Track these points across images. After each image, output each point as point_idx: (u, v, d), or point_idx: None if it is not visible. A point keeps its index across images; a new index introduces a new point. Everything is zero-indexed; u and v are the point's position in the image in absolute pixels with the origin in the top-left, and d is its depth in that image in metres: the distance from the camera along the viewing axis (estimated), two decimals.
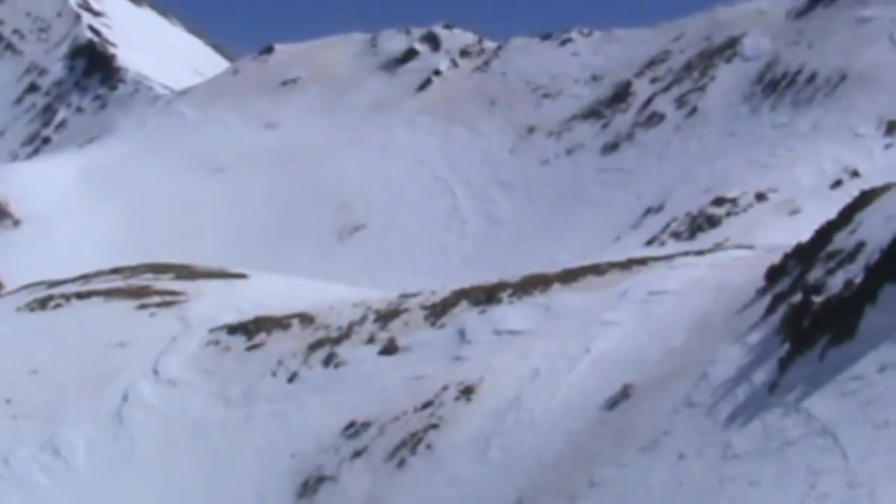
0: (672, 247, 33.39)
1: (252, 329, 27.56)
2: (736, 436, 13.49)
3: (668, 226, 38.89)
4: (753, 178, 39.27)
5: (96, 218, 59.78)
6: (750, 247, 26.84)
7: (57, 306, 32.04)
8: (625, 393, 17.89)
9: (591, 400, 18.37)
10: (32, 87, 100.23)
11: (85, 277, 36.58)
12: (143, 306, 30.75)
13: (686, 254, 26.55)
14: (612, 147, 54.17)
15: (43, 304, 32.45)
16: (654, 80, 57.64)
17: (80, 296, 32.75)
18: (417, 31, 74.89)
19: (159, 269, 36.93)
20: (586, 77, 61.99)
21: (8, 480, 24.12)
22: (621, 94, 58.19)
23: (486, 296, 25.60)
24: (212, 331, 27.97)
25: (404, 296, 27.86)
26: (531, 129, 59.54)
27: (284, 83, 73.94)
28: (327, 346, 25.75)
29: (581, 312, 22.51)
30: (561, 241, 46.31)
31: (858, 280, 14.74)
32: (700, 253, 26.52)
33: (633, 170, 50.53)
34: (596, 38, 65.77)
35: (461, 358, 23.00)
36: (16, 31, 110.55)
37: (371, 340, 25.46)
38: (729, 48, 55.47)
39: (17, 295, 36.25)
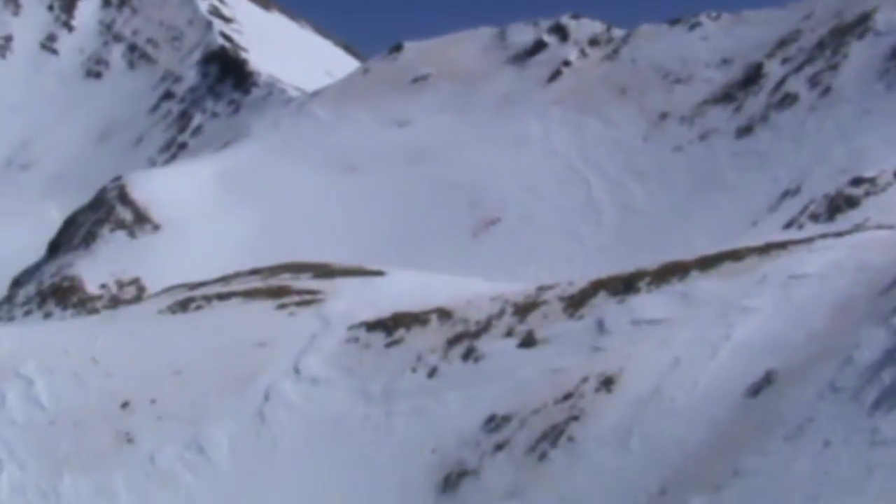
0: (810, 229, 32.83)
1: (391, 325, 27.75)
2: (883, 421, 13.22)
3: (805, 208, 38.26)
4: (891, 155, 38.46)
5: (233, 220, 60.64)
6: (891, 227, 26.29)
7: (198, 308, 32.60)
8: (767, 379, 17.67)
9: (733, 387, 18.17)
10: (168, 95, 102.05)
11: (224, 279, 37.17)
12: (282, 306, 31.14)
13: (825, 236, 26.10)
14: (745, 130, 53.40)
15: (184, 306, 33.05)
16: (785, 61, 56.70)
17: (221, 297, 33.29)
18: (545, 23, 74.61)
19: (297, 268, 37.37)
20: (717, 61, 61.20)
21: (155, 478, 24.65)
22: (753, 77, 57.33)
23: (623, 285, 25.46)
24: (351, 328, 28.21)
25: (542, 288, 27.82)
26: (663, 116, 58.98)
27: (415, 80, 74.23)
28: (466, 340, 25.82)
29: (720, 299, 22.27)
30: (697, 228, 45.85)
31: None
32: (839, 235, 26.05)
33: (769, 152, 49.79)
34: (725, 20, 64.88)
35: (600, 348, 22.90)
36: (149, 41, 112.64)
37: (510, 333, 25.47)
38: (861, 24, 54.31)
39: (158, 298, 36.97)
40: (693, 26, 65.62)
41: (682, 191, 51.99)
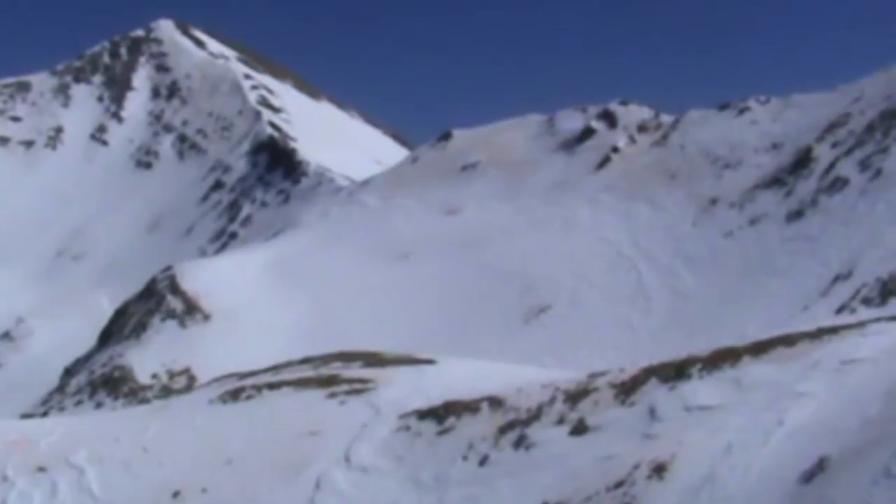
0: (863, 313, 32.62)
1: (442, 414, 27.68)
2: None
3: (857, 292, 38.05)
4: None
5: (284, 309, 60.92)
6: None
7: (249, 397, 32.67)
8: (821, 465, 17.49)
9: (786, 473, 17.99)
10: (218, 185, 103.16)
11: (275, 368, 37.27)
12: (333, 395, 31.16)
13: (878, 320, 25.90)
14: (796, 215, 53.32)
15: (235, 395, 33.14)
16: (835, 144, 56.70)
17: (271, 386, 33.35)
18: (593, 109, 75.04)
19: (348, 357, 37.43)
20: (766, 145, 61.30)
21: None
22: (803, 161, 57.35)
23: (675, 371, 25.32)
24: (402, 416, 28.18)
25: (593, 375, 27.72)
26: (713, 201, 59.01)
27: (464, 168, 74.71)
28: (517, 427, 25.72)
29: (772, 384, 22.12)
30: (749, 313, 45.65)
31: None
32: (892, 318, 25.86)
33: (819, 237, 49.64)
34: (774, 104, 65.05)
35: (652, 435, 22.75)
36: (199, 131, 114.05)
37: (561, 421, 25.36)
38: None
39: (209, 387, 37.08)
40: (742, 111, 65.81)
41: (733, 276, 51.85)
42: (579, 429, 24.60)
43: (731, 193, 58.73)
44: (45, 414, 55.27)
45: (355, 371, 34.20)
